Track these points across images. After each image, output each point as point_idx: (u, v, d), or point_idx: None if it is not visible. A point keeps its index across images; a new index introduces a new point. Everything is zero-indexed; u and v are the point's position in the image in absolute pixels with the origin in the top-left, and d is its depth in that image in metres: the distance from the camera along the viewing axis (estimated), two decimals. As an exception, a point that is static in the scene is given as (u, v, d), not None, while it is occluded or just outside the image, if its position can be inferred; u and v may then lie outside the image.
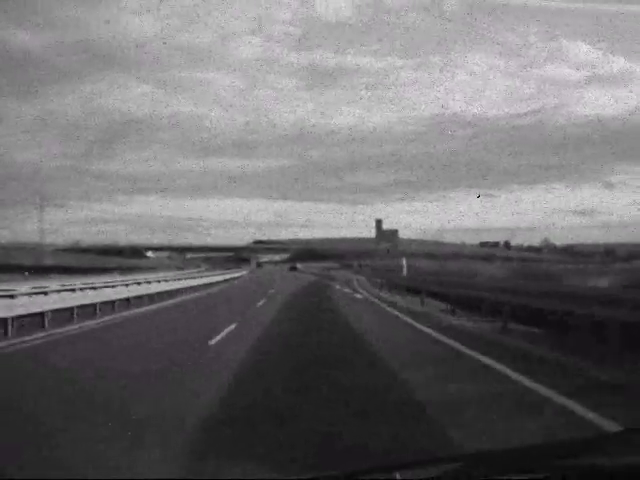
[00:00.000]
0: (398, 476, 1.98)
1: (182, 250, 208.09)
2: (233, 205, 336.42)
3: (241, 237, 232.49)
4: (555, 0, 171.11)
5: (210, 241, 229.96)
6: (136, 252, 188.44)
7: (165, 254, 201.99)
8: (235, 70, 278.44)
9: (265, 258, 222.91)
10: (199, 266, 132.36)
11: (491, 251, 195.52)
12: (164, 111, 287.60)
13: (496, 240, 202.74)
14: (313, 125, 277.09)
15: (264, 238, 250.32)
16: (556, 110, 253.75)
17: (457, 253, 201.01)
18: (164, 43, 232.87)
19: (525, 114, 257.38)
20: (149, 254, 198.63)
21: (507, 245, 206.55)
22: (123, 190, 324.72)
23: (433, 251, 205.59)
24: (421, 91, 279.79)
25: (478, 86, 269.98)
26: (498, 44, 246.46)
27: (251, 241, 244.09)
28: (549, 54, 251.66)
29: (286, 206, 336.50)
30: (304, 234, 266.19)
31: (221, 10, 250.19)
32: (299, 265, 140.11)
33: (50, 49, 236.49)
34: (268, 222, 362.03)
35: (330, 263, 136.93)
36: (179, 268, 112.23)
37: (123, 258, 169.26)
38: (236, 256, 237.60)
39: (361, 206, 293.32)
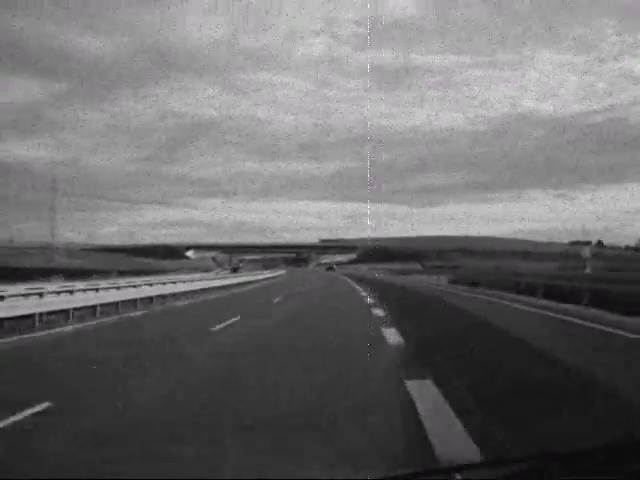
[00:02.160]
0: (458, 477, 1.98)
1: (233, 249, 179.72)
2: (302, 208, 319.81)
3: (309, 239, 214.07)
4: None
5: (275, 242, 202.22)
6: (174, 252, 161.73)
7: (211, 254, 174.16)
8: (302, 72, 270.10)
9: (327, 259, 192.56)
10: (236, 269, 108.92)
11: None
12: (232, 114, 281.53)
13: (587, 239, 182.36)
14: (381, 126, 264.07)
15: (331, 238, 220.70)
16: (632, 106, 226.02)
17: (565, 253, 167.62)
18: (232, 46, 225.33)
19: (599, 111, 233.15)
20: (189, 254, 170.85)
21: (600, 244, 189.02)
22: (193, 193, 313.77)
23: (523, 249, 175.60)
24: (491, 90, 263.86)
25: (550, 83, 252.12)
26: (570, 39, 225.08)
27: (316, 241, 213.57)
28: (624, 48, 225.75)
29: (355, 208, 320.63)
30: (374, 235, 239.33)
31: (287, 12, 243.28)
32: (336, 267, 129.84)
33: (120, 54, 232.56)
34: (337, 224, 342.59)
35: (404, 264, 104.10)
36: (206, 271, 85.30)
37: (156, 259, 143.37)
38: (298, 257, 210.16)
39: (432, 207, 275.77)
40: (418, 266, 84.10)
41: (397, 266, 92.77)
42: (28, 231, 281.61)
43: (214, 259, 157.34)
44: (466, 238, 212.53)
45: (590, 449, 2.05)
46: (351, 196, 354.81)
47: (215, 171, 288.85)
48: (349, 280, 55.21)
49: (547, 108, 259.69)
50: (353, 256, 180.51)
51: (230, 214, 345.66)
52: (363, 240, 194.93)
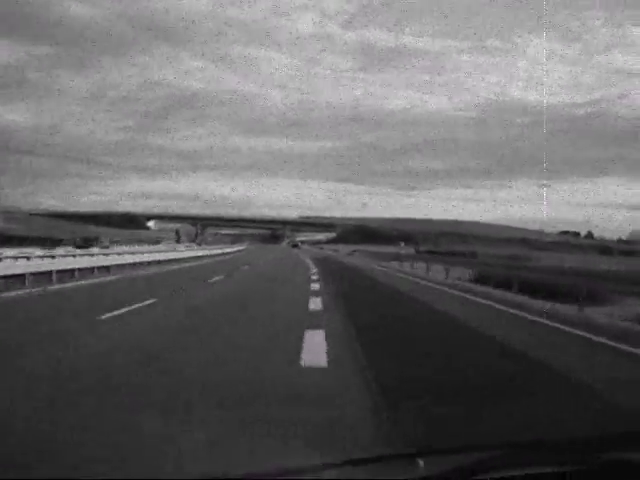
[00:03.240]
0: (421, 464, 1.96)
1: (202, 221, 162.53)
2: (285, 185, 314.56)
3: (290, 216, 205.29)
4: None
5: (247, 215, 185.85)
6: (134, 221, 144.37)
7: (177, 225, 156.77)
8: (289, 47, 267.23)
9: (304, 237, 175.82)
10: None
11: (579, 241, 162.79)
12: (218, 87, 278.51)
13: (575, 230, 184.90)
14: (368, 107, 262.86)
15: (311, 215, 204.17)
16: (619, 100, 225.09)
17: (558, 242, 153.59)
18: (217, 18, 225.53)
19: (586, 103, 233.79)
20: (150, 224, 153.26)
21: (590, 236, 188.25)
22: (176, 165, 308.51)
23: (517, 236, 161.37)
24: (479, 76, 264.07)
25: (537, 72, 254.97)
26: (559, 29, 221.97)
27: (294, 217, 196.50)
28: (613, 41, 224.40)
29: (338, 187, 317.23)
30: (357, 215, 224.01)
31: None
32: (301, 245, 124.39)
33: (105, 21, 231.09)
34: (319, 204, 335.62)
35: (392, 247, 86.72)
36: (140, 243, 68.28)
37: (111, 228, 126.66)
38: (273, 233, 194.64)
39: (415, 191, 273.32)
40: (410, 250, 67.43)
41: (384, 249, 75.63)
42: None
43: (177, 231, 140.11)
44: (456, 222, 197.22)
45: (544, 440, 2.14)
46: (335, 176, 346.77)
47: (199, 144, 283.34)
48: (314, 269, 34.30)
49: (534, 97, 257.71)
50: (333, 235, 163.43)
51: (212, 188, 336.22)
52: (345, 219, 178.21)
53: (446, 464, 1.82)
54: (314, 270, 33.59)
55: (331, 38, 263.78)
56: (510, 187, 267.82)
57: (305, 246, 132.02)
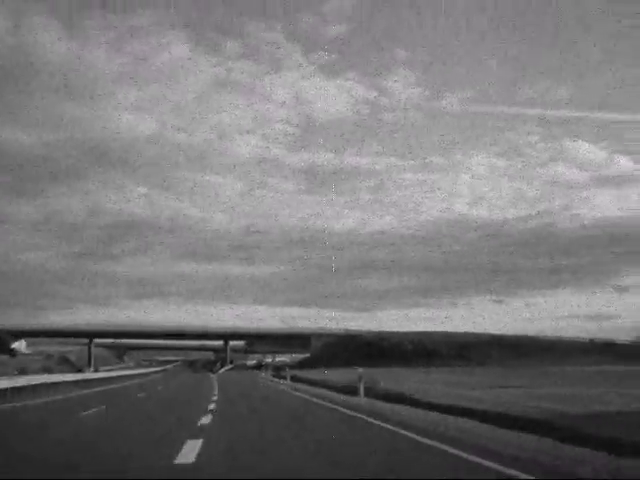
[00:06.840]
0: None
1: (94, 336, 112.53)
2: (234, 311, 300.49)
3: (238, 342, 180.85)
4: (556, 110, 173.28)
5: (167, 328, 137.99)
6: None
7: (71, 348, 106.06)
8: (234, 171, 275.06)
9: (257, 359, 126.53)
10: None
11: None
12: (164, 213, 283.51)
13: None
14: (316, 228, 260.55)
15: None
16: (563, 212, 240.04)
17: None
18: (162, 144, 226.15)
19: (532, 216, 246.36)
20: (17, 345, 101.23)
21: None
22: (126, 294, 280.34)
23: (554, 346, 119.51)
24: (424, 193, 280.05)
25: (482, 188, 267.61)
26: (499, 144, 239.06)
27: (244, 331, 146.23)
28: (552, 154, 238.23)
29: (291, 312, 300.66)
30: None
31: (217, 108, 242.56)
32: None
33: (49, 148, 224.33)
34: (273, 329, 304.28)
35: (454, 371, 37.77)
36: None
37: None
38: (217, 357, 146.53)
39: (366, 312, 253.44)
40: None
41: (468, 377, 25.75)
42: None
43: (47, 357, 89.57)
44: (448, 334, 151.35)
45: None
46: (286, 300, 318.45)
47: (144, 271, 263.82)
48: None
49: (480, 213, 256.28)
50: (304, 355, 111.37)
51: (158, 316, 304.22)
52: (319, 331, 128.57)
53: None
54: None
55: (276, 161, 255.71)
56: (464, 304, 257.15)
57: (262, 374, 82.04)
